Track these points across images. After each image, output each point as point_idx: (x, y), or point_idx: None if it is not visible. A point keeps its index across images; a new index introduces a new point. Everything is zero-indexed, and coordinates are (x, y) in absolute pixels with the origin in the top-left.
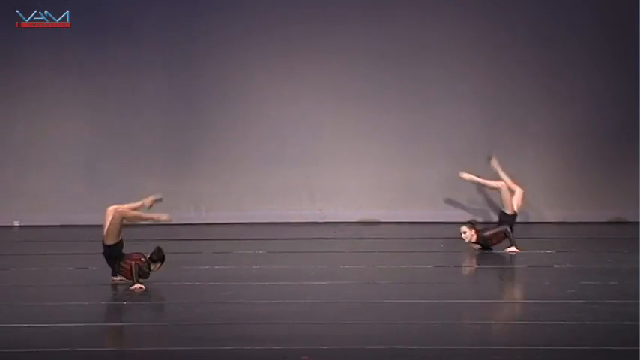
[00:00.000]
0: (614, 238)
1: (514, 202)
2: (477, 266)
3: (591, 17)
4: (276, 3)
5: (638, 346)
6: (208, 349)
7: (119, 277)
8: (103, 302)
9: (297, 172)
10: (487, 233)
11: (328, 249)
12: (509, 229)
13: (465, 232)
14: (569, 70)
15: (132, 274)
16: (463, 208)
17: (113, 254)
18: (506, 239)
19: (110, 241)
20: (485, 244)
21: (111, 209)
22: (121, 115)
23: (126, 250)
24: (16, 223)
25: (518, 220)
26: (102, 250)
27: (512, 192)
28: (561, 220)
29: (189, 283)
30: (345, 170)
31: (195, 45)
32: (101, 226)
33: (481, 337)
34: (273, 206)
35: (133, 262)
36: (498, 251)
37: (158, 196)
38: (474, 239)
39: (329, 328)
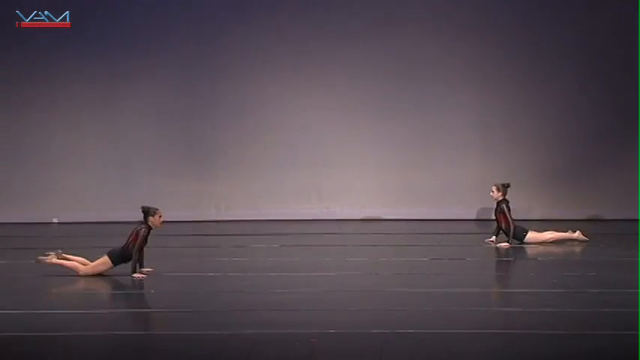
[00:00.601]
0: (592, 234)
1: (541, 237)
2: (469, 259)
3: (571, 32)
4: (288, 23)
5: (614, 331)
6: (229, 333)
7: (146, 270)
8: (134, 291)
9: (307, 174)
10: (504, 206)
11: (335, 243)
12: (513, 228)
13: (493, 191)
14: (551, 82)
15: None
16: (457, 206)
17: (125, 258)
18: (505, 232)
19: (115, 263)
20: (497, 207)
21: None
22: (151, 122)
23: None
24: (55, 220)
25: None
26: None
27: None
28: (544, 218)
29: (210, 274)
30: (351, 173)
31: (215, 57)
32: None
33: (471, 323)
34: (286, 205)
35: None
36: (490, 245)
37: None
38: (499, 199)
39: (336, 314)
